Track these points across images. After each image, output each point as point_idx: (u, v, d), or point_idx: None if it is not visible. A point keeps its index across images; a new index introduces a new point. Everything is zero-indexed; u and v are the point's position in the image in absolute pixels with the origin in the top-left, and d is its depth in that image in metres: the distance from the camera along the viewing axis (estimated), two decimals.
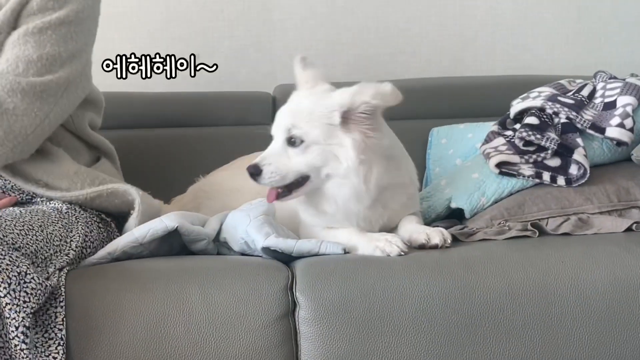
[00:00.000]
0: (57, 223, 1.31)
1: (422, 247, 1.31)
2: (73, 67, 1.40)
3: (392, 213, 1.39)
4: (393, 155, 1.38)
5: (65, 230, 1.31)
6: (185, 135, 2.00)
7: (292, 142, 1.32)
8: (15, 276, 1.10)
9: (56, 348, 1.12)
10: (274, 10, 2.26)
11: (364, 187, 1.31)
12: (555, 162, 1.45)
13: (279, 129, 1.35)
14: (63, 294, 1.17)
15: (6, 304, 1.07)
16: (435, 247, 1.30)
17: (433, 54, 2.31)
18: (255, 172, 1.32)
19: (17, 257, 1.13)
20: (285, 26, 2.27)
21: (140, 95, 2.05)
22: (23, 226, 1.22)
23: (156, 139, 1.98)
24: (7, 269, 1.09)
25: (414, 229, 1.36)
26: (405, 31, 2.31)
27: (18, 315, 1.07)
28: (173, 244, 1.41)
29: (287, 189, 1.34)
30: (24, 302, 1.09)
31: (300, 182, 1.33)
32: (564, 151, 1.45)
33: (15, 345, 1.07)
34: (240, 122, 2.05)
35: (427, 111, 1.99)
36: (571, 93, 1.57)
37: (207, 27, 2.25)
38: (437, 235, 1.30)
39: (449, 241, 1.30)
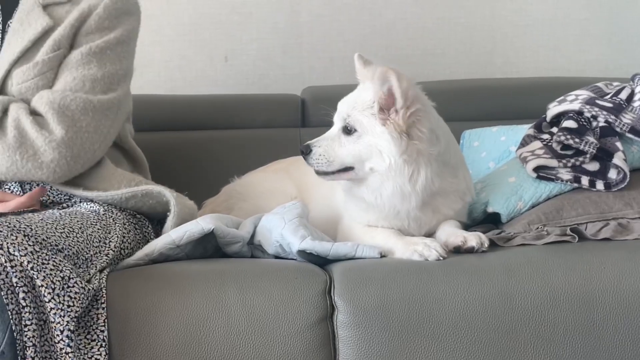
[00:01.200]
0: (96, 225, 1.33)
1: (457, 249, 1.30)
2: (127, 83, 1.49)
3: (443, 219, 1.40)
4: (449, 161, 1.40)
5: (103, 232, 1.33)
6: (214, 137, 2.01)
7: (347, 130, 1.36)
8: (59, 281, 1.11)
9: (99, 350, 1.13)
10: (302, 12, 2.27)
11: (410, 187, 1.33)
12: (594, 166, 1.43)
13: (337, 117, 1.40)
14: (104, 295, 1.18)
15: (51, 308, 1.09)
16: (472, 249, 1.29)
17: (462, 55, 2.31)
18: (305, 151, 1.39)
19: (60, 261, 1.15)
20: (313, 28, 2.28)
21: (169, 97, 2.07)
22: (64, 228, 1.24)
23: (184, 142, 1.99)
24: (51, 274, 1.11)
25: (451, 232, 1.36)
26: (434, 32, 2.30)
27: (62, 320, 1.09)
28: (207, 246, 1.42)
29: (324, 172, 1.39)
30: (68, 306, 1.10)
31: (343, 170, 1.37)
32: (603, 155, 1.43)
33: (61, 349, 1.08)
34: (268, 125, 2.06)
35: (458, 113, 1.97)
36: (609, 96, 1.55)
37: (235, 29, 2.26)
38: (474, 238, 1.30)
39: (486, 244, 1.30)
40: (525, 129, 1.68)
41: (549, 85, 2.08)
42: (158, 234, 1.50)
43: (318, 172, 1.39)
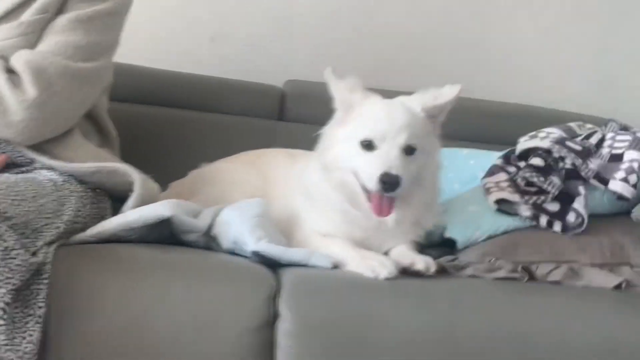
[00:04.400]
0: (51, 195, 1.31)
1: (404, 270, 1.30)
2: (109, 55, 1.45)
3: (411, 238, 1.42)
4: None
5: (58, 203, 1.31)
6: (188, 118, 1.99)
7: (410, 151, 1.32)
8: (1, 251, 1.08)
9: (33, 325, 1.10)
10: (296, 4, 2.24)
11: (430, 197, 1.39)
12: (554, 206, 1.45)
13: (393, 140, 1.31)
14: (48, 271, 1.16)
15: None
16: (417, 273, 1.30)
17: (446, 69, 2.30)
18: (395, 183, 1.26)
19: (5, 230, 1.12)
20: (305, 22, 2.25)
21: (148, 70, 2.03)
22: (16, 196, 1.21)
23: (158, 118, 1.97)
24: None
25: (401, 252, 1.37)
26: (422, 43, 2.30)
27: None
28: (163, 231, 1.40)
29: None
30: (7, 278, 1.07)
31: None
32: (565, 198, 1.45)
33: None
34: (245, 113, 2.04)
35: None
36: (579, 138, 1.57)
37: (226, 11, 2.22)
38: (422, 262, 1.31)
39: (432, 270, 1.30)
40: (494, 156, 1.70)
41: (526, 114, 2.11)
42: (115, 210, 1.48)
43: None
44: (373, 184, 1.28)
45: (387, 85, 2.25)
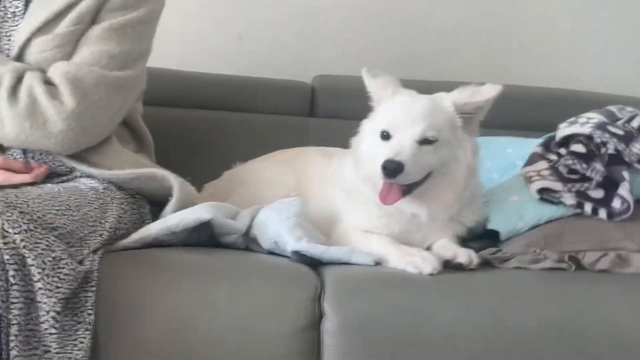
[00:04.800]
0: (93, 203, 1.33)
1: (447, 263, 1.30)
2: (143, 62, 1.47)
3: (455, 232, 1.40)
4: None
5: (100, 211, 1.33)
6: (220, 119, 2.00)
7: (426, 142, 1.32)
8: (49, 261, 1.11)
9: (83, 333, 1.13)
10: None
11: (463, 194, 1.36)
12: (598, 193, 1.41)
13: (408, 131, 1.32)
14: (95, 278, 1.18)
15: (39, 288, 1.08)
16: (460, 265, 1.29)
17: (477, 57, 2.27)
18: (397, 169, 1.26)
19: (53, 240, 1.14)
20: (330, 15, 2.24)
21: (178, 73, 2.04)
22: (61, 205, 1.24)
23: (190, 120, 1.98)
24: (42, 254, 1.10)
25: (443, 245, 1.36)
26: (452, 32, 2.27)
27: (49, 300, 1.09)
28: (202, 234, 1.41)
29: (408, 188, 1.32)
30: (57, 287, 1.10)
31: (421, 180, 1.34)
32: (609, 184, 1.41)
33: (45, 329, 1.08)
34: (277, 111, 2.04)
35: None
36: (620, 122, 1.52)
37: (252, 9, 2.23)
38: (464, 254, 1.30)
39: (475, 263, 1.29)
40: (533, 143, 1.66)
41: (563, 98, 2.06)
42: (155, 214, 1.50)
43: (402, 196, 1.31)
44: (379, 170, 1.29)
45: (418, 76, 2.22)
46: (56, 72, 1.36)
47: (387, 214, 1.37)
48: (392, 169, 1.26)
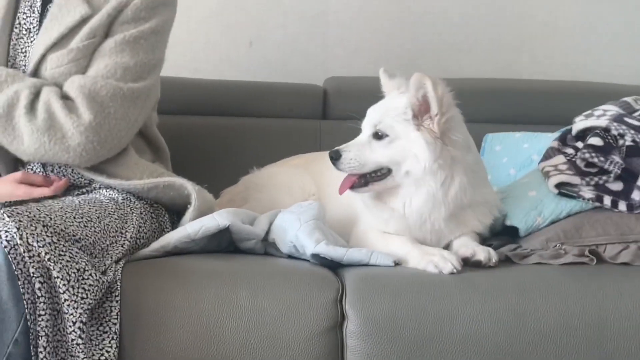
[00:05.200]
0: (114, 214, 1.34)
1: (465, 261, 1.30)
2: (157, 73, 1.49)
3: (467, 232, 1.39)
4: (479, 171, 1.41)
5: (121, 221, 1.34)
6: (234, 125, 2.01)
7: (378, 135, 1.37)
8: (74, 273, 1.13)
9: (110, 342, 1.15)
10: (329, 1, 2.24)
11: (441, 195, 1.33)
12: (617, 186, 1.41)
13: (367, 124, 1.40)
14: (119, 288, 1.20)
15: (65, 300, 1.10)
16: (479, 263, 1.29)
17: (489, 52, 2.27)
18: (335, 157, 1.37)
19: (76, 252, 1.16)
20: (339, 17, 2.25)
21: (190, 81, 2.06)
22: (82, 218, 1.25)
23: (204, 127, 1.99)
24: (67, 266, 1.12)
25: (462, 243, 1.36)
26: (462, 27, 2.26)
27: (75, 311, 1.10)
28: (222, 240, 1.43)
29: (364, 181, 1.37)
30: (82, 298, 1.12)
31: (379, 176, 1.37)
32: (628, 176, 1.40)
33: (72, 340, 1.10)
34: (289, 115, 2.05)
35: (481, 115, 1.94)
36: (637, 113, 1.51)
37: (261, 14, 2.24)
38: (482, 252, 1.30)
39: (494, 260, 1.29)
40: (549, 137, 1.65)
41: (576, 90, 2.05)
42: (173, 222, 1.51)
43: (352, 187, 1.37)
44: None
45: (430, 73, 2.23)
46: (72, 86, 1.38)
47: (397, 218, 1.37)
48: (333, 157, 1.37)
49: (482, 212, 1.40)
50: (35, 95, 1.36)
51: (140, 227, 1.39)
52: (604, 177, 1.41)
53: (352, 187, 1.37)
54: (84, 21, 1.42)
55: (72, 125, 1.34)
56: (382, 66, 2.22)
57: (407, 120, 1.34)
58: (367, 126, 1.40)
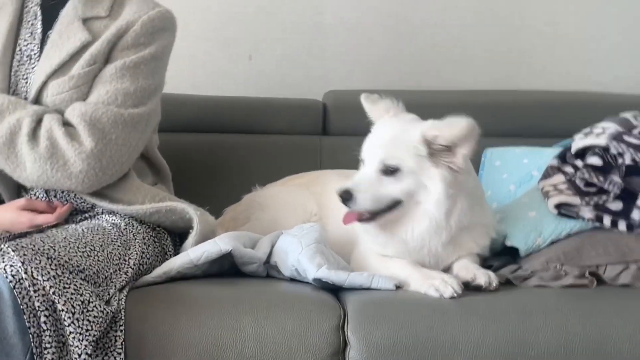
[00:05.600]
0: (117, 241, 1.35)
1: (466, 285, 1.30)
2: (157, 97, 1.50)
3: (465, 254, 1.39)
4: (477, 195, 1.41)
5: (124, 248, 1.35)
6: (233, 142, 2.01)
7: (388, 171, 1.34)
8: (79, 305, 1.13)
9: None
10: (326, 14, 2.25)
11: (444, 221, 1.33)
12: (617, 205, 1.41)
13: (372, 159, 1.36)
14: (123, 317, 1.21)
15: (70, 332, 1.11)
16: (479, 287, 1.30)
17: (487, 64, 2.27)
18: (347, 198, 1.33)
19: (81, 284, 1.17)
20: (338, 30, 2.25)
21: (189, 98, 2.06)
22: (85, 247, 1.26)
23: (203, 144, 1.99)
24: (71, 298, 1.13)
25: (462, 266, 1.36)
26: (460, 39, 2.26)
27: (81, 344, 1.11)
28: (224, 263, 1.44)
29: (370, 214, 1.35)
30: (87, 330, 1.13)
31: (389, 208, 1.35)
32: (627, 195, 1.41)
33: None
34: (289, 131, 2.05)
35: (479, 127, 1.94)
36: (637, 131, 1.52)
37: (260, 28, 2.24)
38: (483, 276, 1.30)
39: (495, 284, 1.30)
40: (549, 153, 1.66)
41: (576, 101, 2.04)
42: (175, 243, 1.52)
43: (360, 220, 1.34)
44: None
45: (428, 87, 2.24)
46: (73, 113, 1.38)
47: (395, 242, 1.37)
48: (344, 198, 1.32)
49: (479, 234, 1.41)
50: (37, 122, 1.37)
51: (143, 252, 1.39)
52: (604, 197, 1.41)
53: (360, 220, 1.35)
54: (84, 48, 1.43)
55: (74, 153, 1.35)
56: (382, 79, 2.25)
57: (421, 157, 1.32)
58: (372, 161, 1.36)
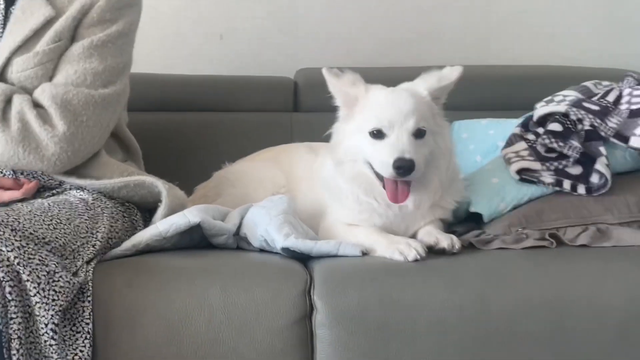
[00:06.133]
0: (84, 215, 1.36)
1: (430, 248, 1.33)
2: (126, 75, 1.49)
3: (433, 218, 1.42)
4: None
5: (91, 222, 1.35)
6: (206, 120, 2.02)
7: (419, 134, 1.34)
8: (44, 275, 1.14)
9: (83, 342, 1.16)
10: None
11: (445, 180, 1.38)
12: (576, 170, 1.44)
13: (402, 125, 1.33)
14: (90, 288, 1.21)
15: (36, 302, 1.12)
16: (443, 250, 1.32)
17: (457, 39, 2.29)
18: (410, 167, 1.28)
19: (46, 255, 1.17)
20: (309, 8, 2.26)
21: (160, 77, 2.06)
22: (52, 220, 1.26)
23: (175, 123, 2.00)
24: (36, 269, 1.14)
25: (427, 232, 1.39)
26: (431, 15, 2.28)
27: (47, 313, 1.12)
28: (194, 236, 1.44)
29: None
30: (53, 300, 1.13)
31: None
32: (586, 159, 1.44)
33: (45, 342, 1.11)
34: (261, 108, 2.06)
35: (449, 102, 1.95)
36: (597, 98, 1.55)
37: (231, 7, 2.24)
38: (445, 239, 1.33)
39: (457, 247, 1.33)
40: (514, 124, 1.68)
41: (541, 75, 2.08)
42: (146, 220, 1.53)
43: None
44: (388, 170, 1.30)
45: (400, 63, 2.25)
46: (44, 95, 1.38)
47: (370, 210, 1.40)
48: (406, 167, 1.27)
49: (448, 200, 1.43)
50: (6, 103, 1.36)
51: (111, 226, 1.40)
52: (564, 162, 1.44)
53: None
54: (48, 23, 1.42)
55: (46, 136, 1.35)
56: (354, 57, 2.25)
57: (435, 114, 1.37)
58: (404, 127, 1.32)
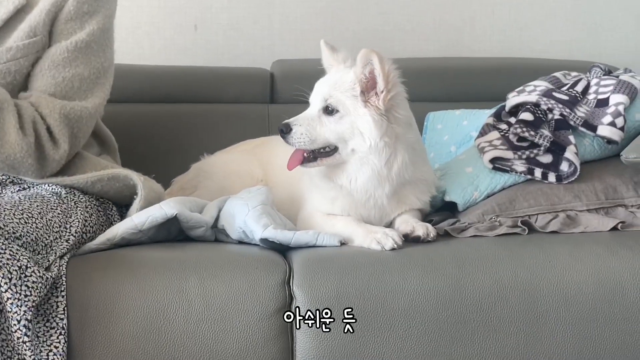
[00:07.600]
0: (56, 209, 1.33)
1: (406, 237, 1.36)
2: (111, 72, 1.50)
3: (407, 209, 1.44)
4: (418, 149, 1.45)
5: (64, 216, 1.33)
6: (181, 111, 2.01)
7: (328, 110, 1.38)
8: (15, 270, 1.11)
9: (57, 337, 1.14)
10: None
11: (385, 172, 1.37)
12: (547, 158, 1.48)
13: (316, 97, 1.41)
14: (64, 283, 1.19)
15: (7, 298, 1.09)
16: (418, 238, 1.35)
17: (432, 32, 2.31)
18: (285, 130, 1.37)
19: (17, 250, 1.15)
20: (284, 0, 2.25)
21: (136, 68, 2.04)
22: (23, 214, 1.24)
23: (151, 115, 1.98)
24: (7, 264, 1.11)
25: (403, 220, 1.42)
26: (405, 7, 2.30)
27: (19, 309, 1.09)
28: (171, 229, 1.44)
29: (312, 156, 1.39)
30: (25, 296, 1.10)
31: (327, 152, 1.39)
32: (556, 148, 1.47)
33: (18, 338, 1.09)
34: (237, 100, 2.06)
35: (424, 94, 1.99)
36: (566, 88, 1.59)
37: None
38: (421, 228, 1.36)
39: (432, 235, 1.35)
40: (487, 114, 1.72)
41: (513, 67, 2.12)
42: (123, 215, 1.51)
43: (302, 162, 1.39)
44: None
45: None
46: (55, 114, 1.38)
47: (340, 196, 1.41)
48: (283, 131, 1.38)
49: (421, 190, 1.45)
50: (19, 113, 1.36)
51: (86, 221, 1.38)
52: (535, 151, 1.48)
53: (302, 163, 1.39)
54: (19, 13, 1.39)
55: (53, 159, 1.39)
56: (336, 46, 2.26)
57: (356, 97, 1.36)
58: (316, 100, 1.41)
